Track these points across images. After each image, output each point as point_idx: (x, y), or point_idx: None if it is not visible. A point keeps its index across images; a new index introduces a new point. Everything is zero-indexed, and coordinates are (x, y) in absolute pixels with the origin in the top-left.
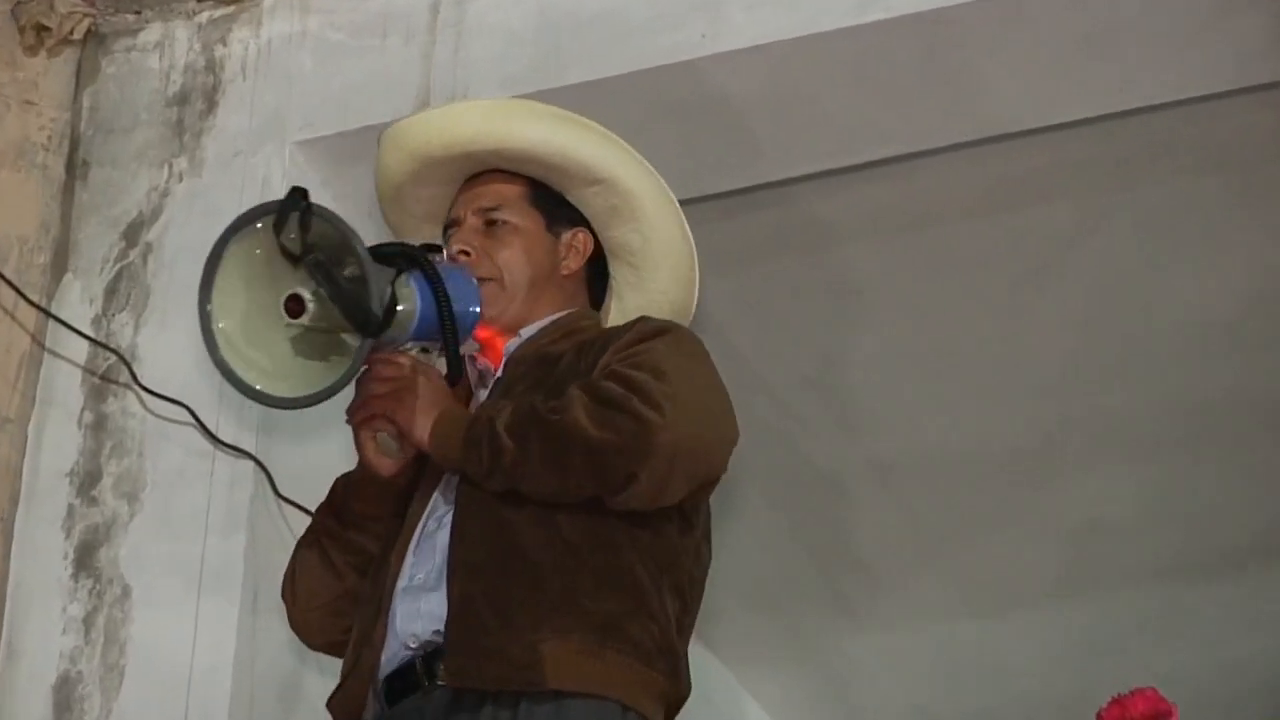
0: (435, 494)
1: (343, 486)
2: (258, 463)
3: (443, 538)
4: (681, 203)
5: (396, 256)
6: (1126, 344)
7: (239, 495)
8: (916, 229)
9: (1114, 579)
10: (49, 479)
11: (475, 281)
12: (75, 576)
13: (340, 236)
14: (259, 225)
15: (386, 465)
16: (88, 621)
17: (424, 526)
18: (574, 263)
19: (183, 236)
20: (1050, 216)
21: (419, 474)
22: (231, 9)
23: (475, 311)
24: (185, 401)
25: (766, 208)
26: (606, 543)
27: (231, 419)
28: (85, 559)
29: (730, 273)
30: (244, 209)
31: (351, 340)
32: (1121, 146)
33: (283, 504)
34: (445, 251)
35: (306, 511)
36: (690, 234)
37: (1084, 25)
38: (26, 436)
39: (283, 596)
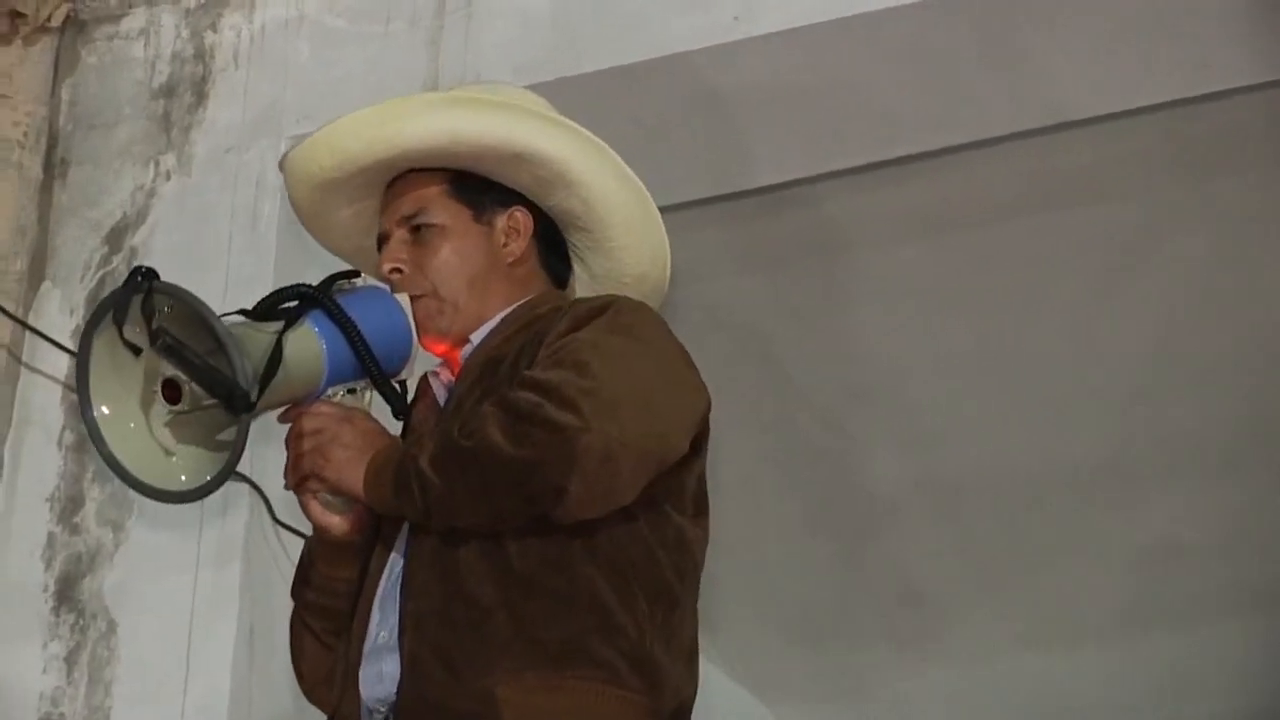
0: (395, 542)
1: (306, 551)
2: (253, 485)
3: (394, 577)
4: (711, 200)
5: (295, 302)
6: (1203, 352)
7: (233, 522)
8: (972, 227)
9: (1189, 608)
10: (27, 505)
11: (398, 299)
12: (56, 611)
13: (190, 310)
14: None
15: (337, 524)
16: (70, 660)
17: (386, 580)
18: (517, 246)
19: (171, 240)
20: (1118, 212)
21: (378, 523)
22: None
23: (403, 332)
24: None
25: (805, 204)
26: (558, 562)
27: None
28: (67, 591)
29: (767, 275)
30: (236, 209)
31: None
32: (1196, 135)
33: (281, 530)
34: (363, 278)
35: (306, 538)
36: (634, 177)
37: (1154, 2)
38: (3, 459)
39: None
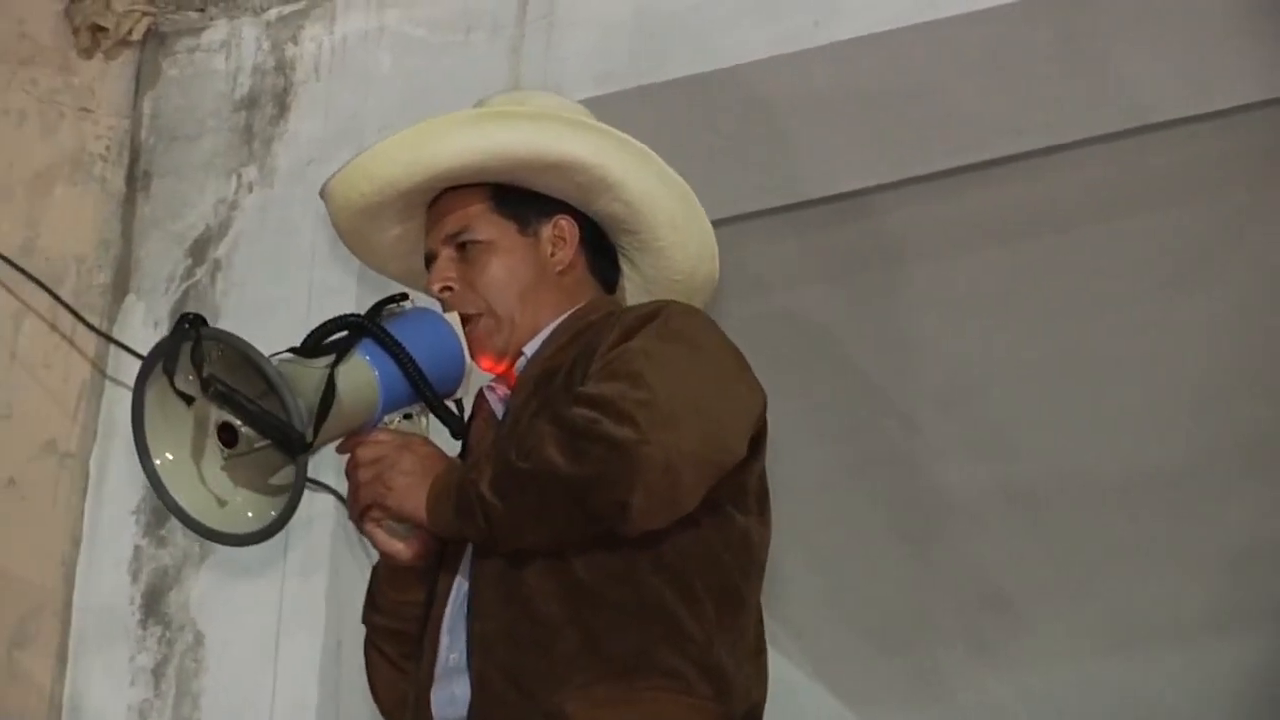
0: (461, 564)
1: (374, 577)
2: (338, 497)
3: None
4: (789, 207)
5: (344, 333)
6: None
7: (319, 532)
8: (1053, 231)
9: (1273, 610)
10: (113, 518)
11: (448, 319)
12: (143, 623)
13: (239, 354)
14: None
15: (402, 550)
16: (157, 672)
17: (453, 602)
18: (565, 254)
19: (254, 252)
20: (1199, 214)
21: (443, 547)
22: (303, 4)
23: (455, 353)
24: None
25: (882, 211)
26: (623, 574)
27: None
28: (154, 604)
29: (846, 283)
30: (319, 220)
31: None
32: (1272, 138)
33: (367, 541)
34: (412, 299)
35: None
36: (675, 175)
37: (1233, 4)
38: (88, 472)
39: None
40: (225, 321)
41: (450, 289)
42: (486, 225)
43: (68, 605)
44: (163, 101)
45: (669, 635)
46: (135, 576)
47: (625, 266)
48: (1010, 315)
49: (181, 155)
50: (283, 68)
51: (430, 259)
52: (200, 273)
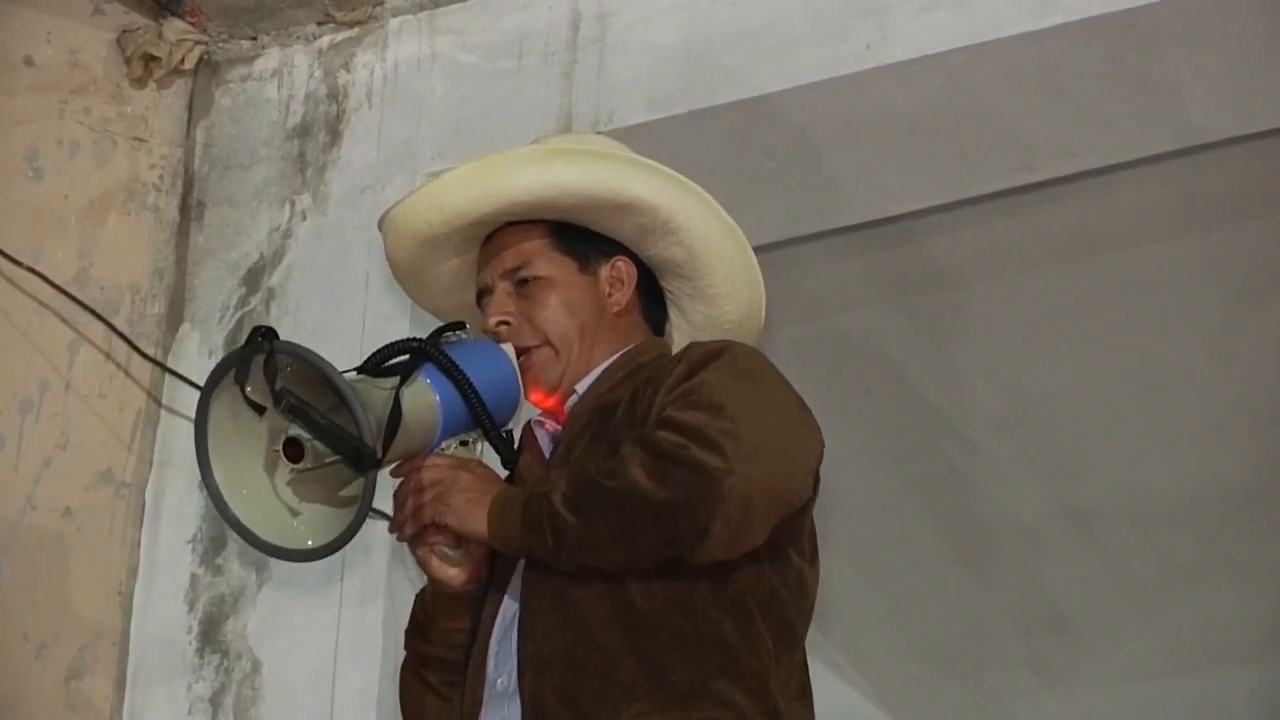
0: (509, 586)
1: (421, 605)
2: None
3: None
4: (848, 229)
5: (404, 357)
6: None
7: (375, 559)
8: (1110, 250)
9: None
10: (170, 547)
11: (504, 350)
12: (201, 652)
13: (311, 368)
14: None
15: (455, 575)
16: (215, 701)
17: (500, 624)
18: (622, 296)
19: (308, 280)
20: (1258, 232)
21: (491, 571)
22: (355, 31)
23: (511, 383)
24: None
25: (939, 232)
26: (684, 604)
27: None
28: (211, 633)
29: (902, 305)
30: (372, 247)
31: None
32: None
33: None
34: (468, 329)
35: (417, 594)
36: (733, 223)
37: None
38: (144, 502)
39: None
40: None
41: (507, 323)
42: (546, 262)
43: (125, 635)
44: (215, 130)
45: (727, 668)
46: (192, 605)
47: (673, 313)
48: (1068, 335)
49: (235, 184)
50: (335, 95)
51: (484, 293)
52: (255, 301)
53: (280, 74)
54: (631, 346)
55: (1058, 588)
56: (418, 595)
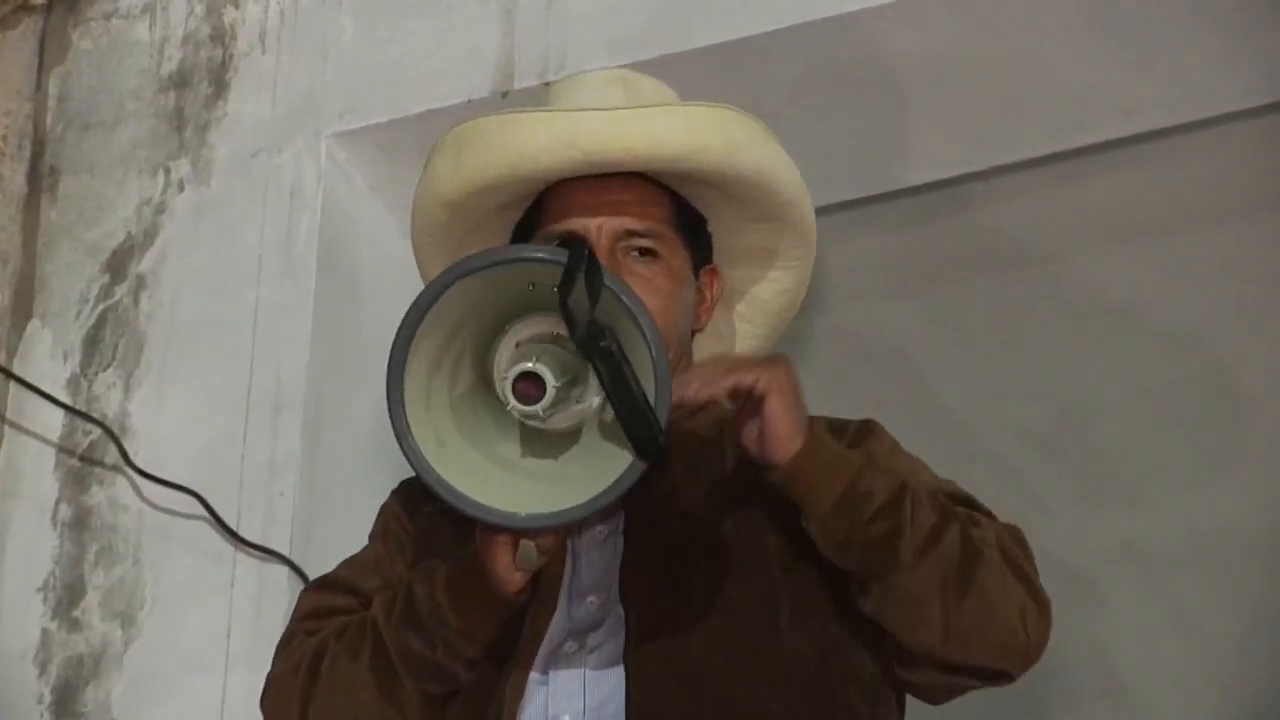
0: (561, 608)
1: (426, 593)
2: (293, 567)
3: (593, 673)
4: (856, 203)
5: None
6: None
7: (270, 612)
8: (1179, 228)
9: None
10: (15, 597)
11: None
12: None
13: (636, 324)
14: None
15: (517, 581)
16: None
17: (551, 649)
18: (707, 316)
19: (186, 265)
20: None
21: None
22: None
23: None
24: (194, 488)
25: (969, 206)
26: (825, 682)
27: (258, 510)
28: (67, 702)
29: (924, 294)
30: (266, 225)
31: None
32: None
33: None
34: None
35: (424, 583)
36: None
37: None
38: None
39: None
40: (150, 354)
41: None
42: (672, 244)
43: None
44: (73, 80)
45: None
46: (43, 669)
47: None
48: (1127, 333)
49: (96, 146)
50: (220, 37)
51: (573, 239)
52: (120, 291)
53: (153, 10)
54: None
55: (1115, 644)
56: (413, 575)
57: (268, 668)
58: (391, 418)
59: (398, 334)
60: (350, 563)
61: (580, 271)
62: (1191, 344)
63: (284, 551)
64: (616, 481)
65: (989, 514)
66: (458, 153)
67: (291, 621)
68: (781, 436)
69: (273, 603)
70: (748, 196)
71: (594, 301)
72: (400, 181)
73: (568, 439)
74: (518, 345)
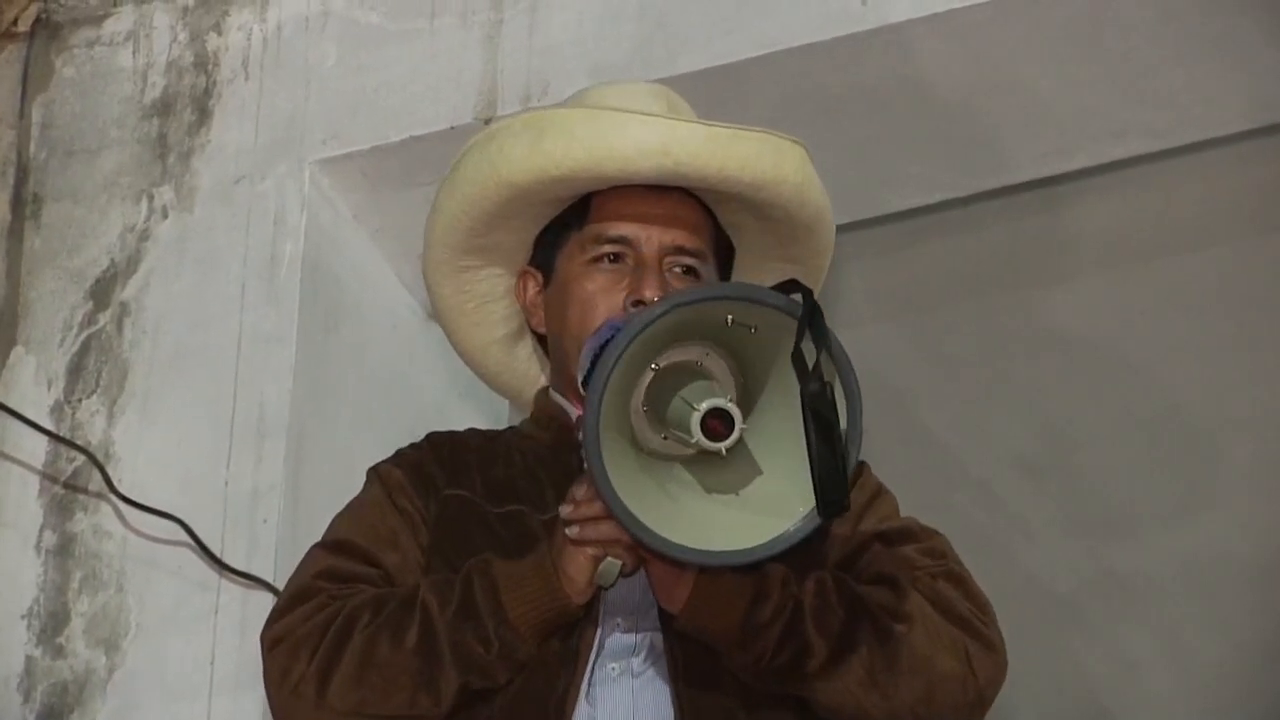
0: (602, 630)
1: (488, 590)
2: (277, 594)
3: (639, 695)
4: (843, 228)
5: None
6: None
7: (252, 639)
8: (1166, 254)
9: None
10: (0, 623)
11: None
12: None
13: (841, 384)
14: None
15: (586, 595)
16: None
17: (594, 672)
18: None
19: (169, 293)
20: None
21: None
22: None
23: None
24: (178, 515)
25: (956, 232)
26: None
27: (241, 537)
28: None
29: (912, 320)
30: (250, 253)
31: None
32: None
33: None
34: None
35: (482, 577)
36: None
37: None
38: None
39: (282, 689)
40: (134, 381)
41: None
42: (710, 267)
43: None
44: (56, 107)
45: None
46: (27, 696)
47: None
48: (1112, 360)
49: (80, 173)
50: (203, 64)
51: (619, 254)
52: (104, 319)
53: (136, 37)
54: None
55: (1100, 672)
56: (471, 575)
57: (251, 697)
58: (588, 455)
59: (608, 350)
60: (357, 528)
61: (809, 323)
62: (1177, 371)
63: (268, 578)
64: (799, 527)
65: (930, 541)
66: (537, 138)
67: (303, 576)
68: (668, 586)
69: (256, 630)
70: (793, 236)
71: (821, 355)
72: (384, 208)
73: (712, 468)
74: (653, 369)
